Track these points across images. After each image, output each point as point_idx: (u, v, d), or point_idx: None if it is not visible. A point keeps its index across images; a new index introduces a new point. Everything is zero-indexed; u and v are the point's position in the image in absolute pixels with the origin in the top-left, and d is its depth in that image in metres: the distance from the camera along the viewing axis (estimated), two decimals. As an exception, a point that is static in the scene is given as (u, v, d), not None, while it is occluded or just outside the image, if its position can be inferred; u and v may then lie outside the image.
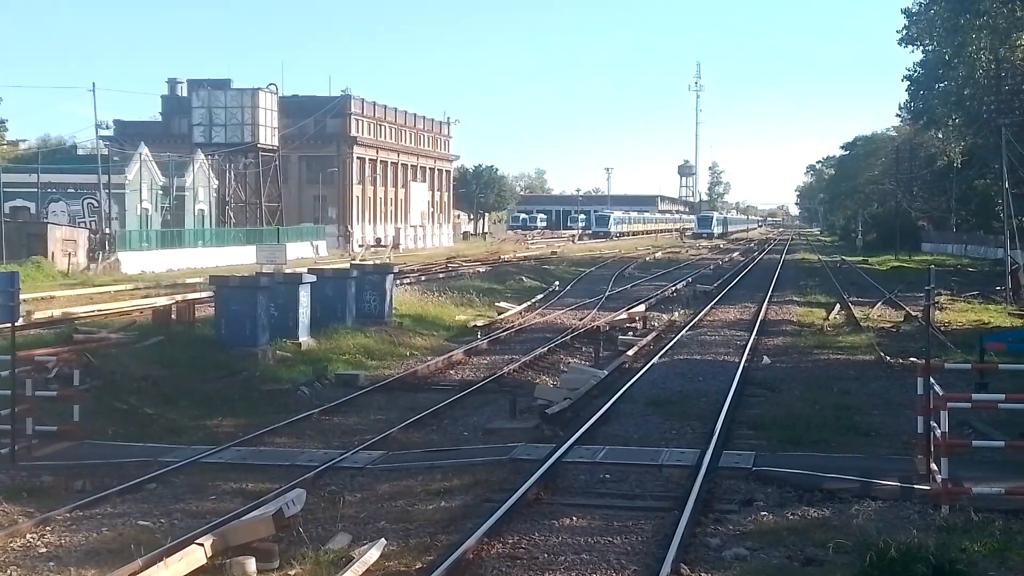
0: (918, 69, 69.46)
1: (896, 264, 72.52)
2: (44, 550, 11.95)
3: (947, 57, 59.88)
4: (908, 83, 71.80)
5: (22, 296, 18.00)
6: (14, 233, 58.69)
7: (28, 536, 12.37)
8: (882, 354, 26.39)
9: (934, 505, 12.87)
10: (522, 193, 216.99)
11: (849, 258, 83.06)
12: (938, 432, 13.26)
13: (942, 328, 31.30)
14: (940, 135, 73.96)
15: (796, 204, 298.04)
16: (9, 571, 11.23)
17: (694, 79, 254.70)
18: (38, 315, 30.99)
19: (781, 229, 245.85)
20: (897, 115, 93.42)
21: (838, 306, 40.51)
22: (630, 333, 31.77)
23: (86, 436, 16.94)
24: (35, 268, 51.60)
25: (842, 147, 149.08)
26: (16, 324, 16.56)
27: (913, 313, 35.28)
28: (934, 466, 13.54)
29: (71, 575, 11.09)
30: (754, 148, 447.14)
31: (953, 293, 44.72)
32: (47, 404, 16.98)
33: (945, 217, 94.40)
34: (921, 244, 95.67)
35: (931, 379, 14.09)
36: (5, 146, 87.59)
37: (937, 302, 35.18)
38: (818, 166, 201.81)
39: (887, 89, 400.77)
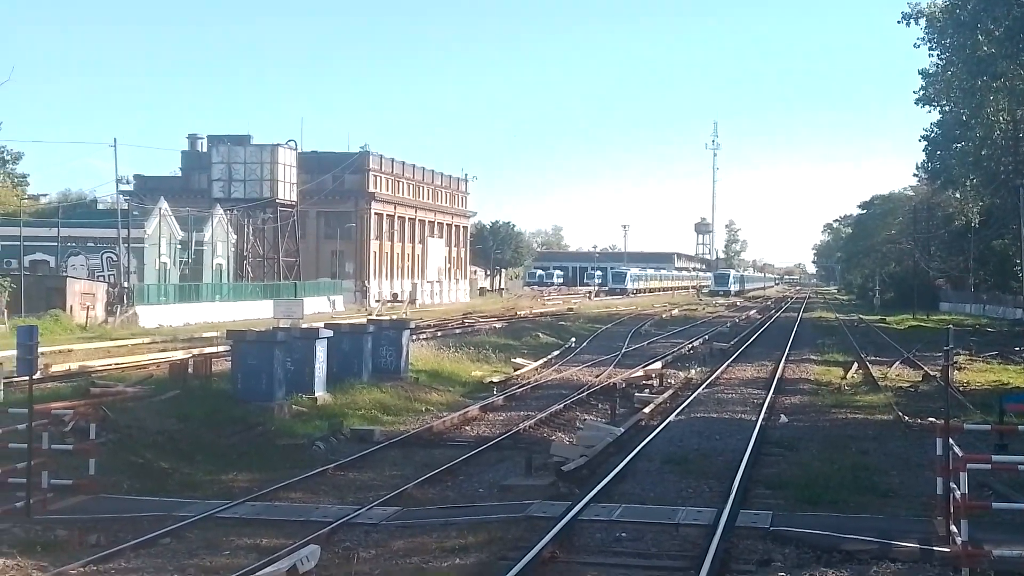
0: (935, 129, 69.63)
1: (914, 323, 72.23)
2: (57, 605, 11.90)
3: (964, 118, 60.03)
4: (925, 143, 71.98)
5: (40, 349, 18.12)
6: (33, 287, 59.08)
7: (42, 590, 12.33)
8: (900, 414, 26.22)
9: (954, 568, 12.73)
10: (539, 249, 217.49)
11: (866, 317, 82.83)
12: (957, 493, 13.14)
13: (961, 388, 31.12)
14: (958, 195, 73.88)
15: (813, 262, 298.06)
16: (22, 625, 11.18)
17: (711, 138, 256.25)
18: (56, 368, 31.10)
19: (798, 287, 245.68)
20: (914, 175, 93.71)
21: (856, 365, 40.33)
22: (647, 390, 31.68)
23: (101, 490, 16.92)
24: (53, 321, 51.83)
25: (859, 206, 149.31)
26: (34, 377, 16.63)
27: (931, 373, 35.07)
28: (954, 528, 13.39)
29: (84, 630, 11.03)
30: (771, 206, 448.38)
31: (972, 353, 44.46)
32: (63, 457, 16.97)
33: (963, 277, 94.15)
34: (939, 303, 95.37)
35: (950, 440, 14.00)
36: (26, 200, 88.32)
37: (956, 362, 35.04)
38: (835, 224, 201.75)
39: (904, 149, 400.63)
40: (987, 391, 31.23)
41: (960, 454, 13.47)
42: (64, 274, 66.10)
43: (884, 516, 15.81)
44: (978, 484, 15.48)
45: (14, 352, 16.84)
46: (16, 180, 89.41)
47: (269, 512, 16.17)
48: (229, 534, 14.98)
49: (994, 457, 14.60)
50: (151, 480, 18.41)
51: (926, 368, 37.35)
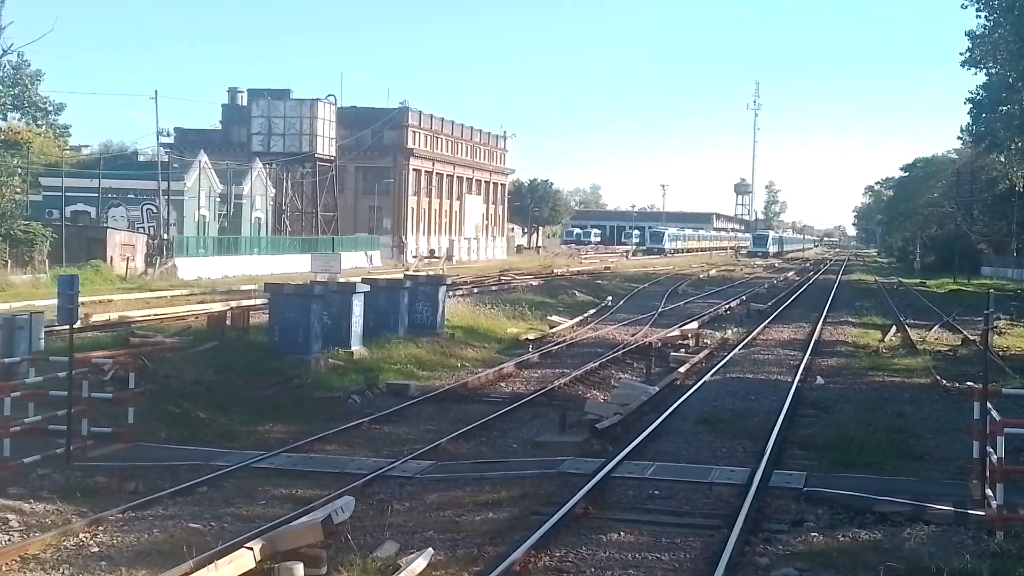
0: (981, 92, 68.62)
1: (954, 287, 71.58)
2: (96, 550, 12.09)
3: (1011, 80, 59.04)
4: (971, 105, 70.97)
5: (80, 299, 18.27)
6: (74, 237, 59.55)
7: (81, 535, 12.52)
8: (938, 377, 26.05)
9: (988, 531, 12.67)
10: (576, 208, 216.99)
11: (906, 280, 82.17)
12: (994, 457, 13.07)
13: (1000, 353, 30.86)
14: (1002, 158, 72.80)
15: (853, 225, 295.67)
16: (62, 569, 11.37)
17: (753, 98, 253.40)
18: (96, 318, 31.44)
19: (837, 250, 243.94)
20: (959, 137, 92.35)
21: (894, 328, 40.07)
22: (682, 350, 31.61)
23: (140, 438, 17.12)
24: (94, 272, 52.29)
25: (902, 168, 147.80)
26: (74, 326, 16.80)
27: (971, 337, 34.80)
28: (989, 492, 13.33)
29: (122, 575, 11.20)
30: (812, 168, 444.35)
31: (1012, 318, 44.02)
32: (102, 406, 17.18)
33: (1006, 241, 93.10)
34: (980, 268, 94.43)
35: (988, 404, 13.90)
36: (68, 151, 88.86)
37: (996, 326, 34.72)
38: (877, 187, 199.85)
39: (949, 111, 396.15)
40: (1027, 356, 30.95)
41: (997, 418, 13.38)
42: (104, 225, 66.51)
43: (919, 479, 15.75)
44: (1015, 449, 15.36)
45: (55, 301, 17.01)
46: (58, 131, 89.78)
47: (305, 463, 16.31)
48: (265, 484, 15.13)
49: (1032, 421, 14.50)
50: (188, 430, 18.60)
51: (965, 332, 37.05)
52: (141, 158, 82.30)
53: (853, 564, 11.68)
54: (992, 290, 22.06)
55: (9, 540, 12.31)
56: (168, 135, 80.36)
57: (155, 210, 69.24)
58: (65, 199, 65.16)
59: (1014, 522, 12.54)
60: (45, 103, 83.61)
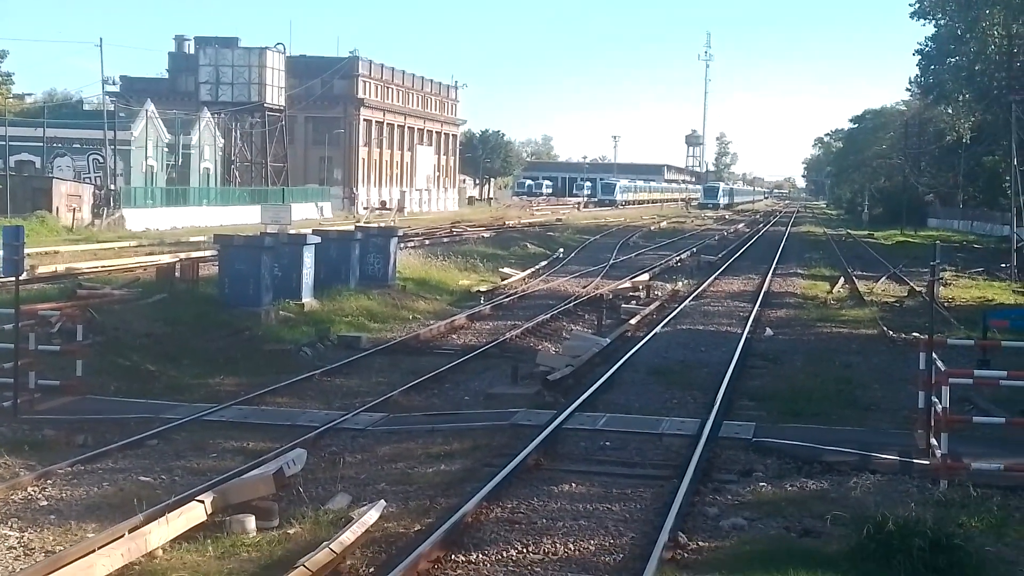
0: (929, 43, 68.87)
1: (902, 239, 72.35)
2: (45, 503, 12.01)
3: (959, 32, 59.41)
4: (919, 57, 71.25)
5: (26, 250, 18.03)
6: (19, 187, 58.64)
7: (29, 489, 12.43)
8: (885, 328, 26.38)
9: (933, 480, 12.91)
10: (528, 159, 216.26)
11: (855, 232, 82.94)
12: (939, 407, 13.28)
13: (946, 304, 31.29)
14: (950, 110, 73.35)
15: (803, 176, 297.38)
16: (10, 523, 11.29)
17: (704, 48, 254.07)
18: (42, 270, 31.05)
19: (787, 201, 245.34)
20: (907, 89, 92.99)
21: (842, 280, 40.49)
22: (633, 302, 31.77)
23: (88, 391, 16.99)
24: (39, 223, 51.60)
25: (851, 120, 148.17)
26: (20, 278, 16.58)
27: (917, 288, 35.23)
28: (934, 441, 13.57)
29: (72, 528, 11.14)
30: (762, 119, 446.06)
31: (958, 269, 44.66)
32: (50, 359, 17.01)
33: (952, 193, 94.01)
34: (927, 219, 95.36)
35: (933, 354, 14.11)
36: (11, 100, 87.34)
37: (942, 278, 35.20)
38: (826, 139, 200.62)
39: (898, 63, 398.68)
40: (972, 307, 31.42)
41: (943, 368, 13.59)
42: (50, 175, 65.49)
43: (865, 429, 15.97)
44: (959, 399, 15.61)
45: (0, 253, 16.77)
46: (1, 79, 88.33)
47: (256, 416, 16.27)
48: (216, 437, 15.08)
49: (976, 372, 14.75)
50: (138, 382, 18.48)
51: (912, 284, 37.50)
52: (87, 107, 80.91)
53: (800, 513, 11.86)
54: (938, 241, 22.25)
55: (-44, 494, 12.19)
56: (114, 83, 79.26)
57: (101, 160, 68.24)
58: (9, 148, 64.10)
59: (958, 471, 12.75)
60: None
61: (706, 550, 10.68)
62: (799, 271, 45.71)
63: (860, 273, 43.41)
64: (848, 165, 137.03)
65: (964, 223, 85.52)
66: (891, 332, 25.79)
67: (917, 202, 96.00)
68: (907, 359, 20.74)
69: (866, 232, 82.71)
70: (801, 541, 11.01)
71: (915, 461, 13.69)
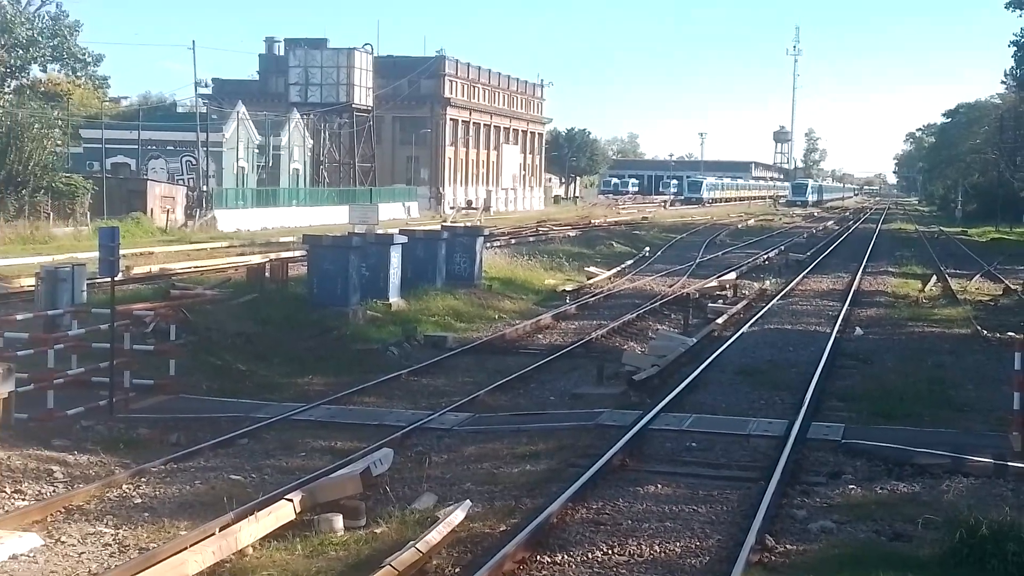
0: (1025, 34, 67.49)
1: (996, 236, 70.77)
2: (139, 501, 12.26)
3: (1057, 23, 58.08)
4: (1015, 48, 69.86)
5: (121, 251, 18.41)
6: (115, 189, 59.89)
7: (124, 487, 12.69)
8: (979, 328, 25.84)
9: (1028, 483, 12.63)
10: (614, 157, 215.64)
11: (947, 229, 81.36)
12: (1035, 409, 12.98)
13: (1043, 303, 30.58)
14: (1047, 103, 71.84)
15: (894, 173, 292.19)
16: (106, 520, 11.54)
17: (792, 43, 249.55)
18: (137, 270, 31.74)
19: (878, 198, 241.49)
20: (1002, 82, 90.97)
21: (934, 278, 39.74)
22: (720, 301, 31.51)
23: (181, 390, 17.30)
24: (134, 224, 52.66)
25: (944, 115, 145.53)
26: (116, 278, 16.95)
27: (1013, 287, 34.49)
28: (1029, 444, 13.27)
29: (165, 526, 11.36)
30: (852, 115, 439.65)
31: (1055, 267, 43.61)
32: (144, 358, 17.35)
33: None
34: (1023, 216, 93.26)
35: (1029, 355, 13.79)
36: (107, 103, 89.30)
37: (1038, 276, 34.37)
38: (918, 134, 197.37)
39: (993, 55, 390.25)
40: (1070, 306, 30.66)
41: (1039, 370, 13.28)
42: (144, 177, 66.82)
43: (958, 431, 15.67)
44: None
45: (97, 254, 17.14)
46: (97, 82, 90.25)
47: (344, 415, 16.44)
48: (304, 436, 15.27)
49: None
50: (229, 382, 18.77)
51: (1007, 282, 36.71)
52: (180, 109, 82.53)
53: (891, 516, 11.66)
54: (1035, 239, 21.75)
55: (54, 491, 12.50)
56: (206, 86, 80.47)
57: (194, 162, 69.50)
58: (105, 151, 65.51)
59: (1054, 475, 12.46)
60: (84, 54, 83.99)
61: (793, 553, 10.56)
62: (890, 269, 44.97)
63: (953, 271, 42.58)
64: (941, 161, 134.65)
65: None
66: (985, 331, 25.25)
67: (1012, 198, 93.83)
68: (1002, 359, 20.31)
69: (959, 229, 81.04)
70: (891, 545, 10.83)
71: (1010, 464, 13.39)
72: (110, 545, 10.84)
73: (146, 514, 11.76)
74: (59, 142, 62.30)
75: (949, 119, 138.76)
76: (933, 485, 12.80)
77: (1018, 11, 62.42)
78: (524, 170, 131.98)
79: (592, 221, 74.08)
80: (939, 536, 10.62)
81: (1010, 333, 22.58)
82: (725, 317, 27.56)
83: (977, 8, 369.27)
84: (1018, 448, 13.77)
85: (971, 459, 13.65)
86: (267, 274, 28.53)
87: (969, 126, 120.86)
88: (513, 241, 50.47)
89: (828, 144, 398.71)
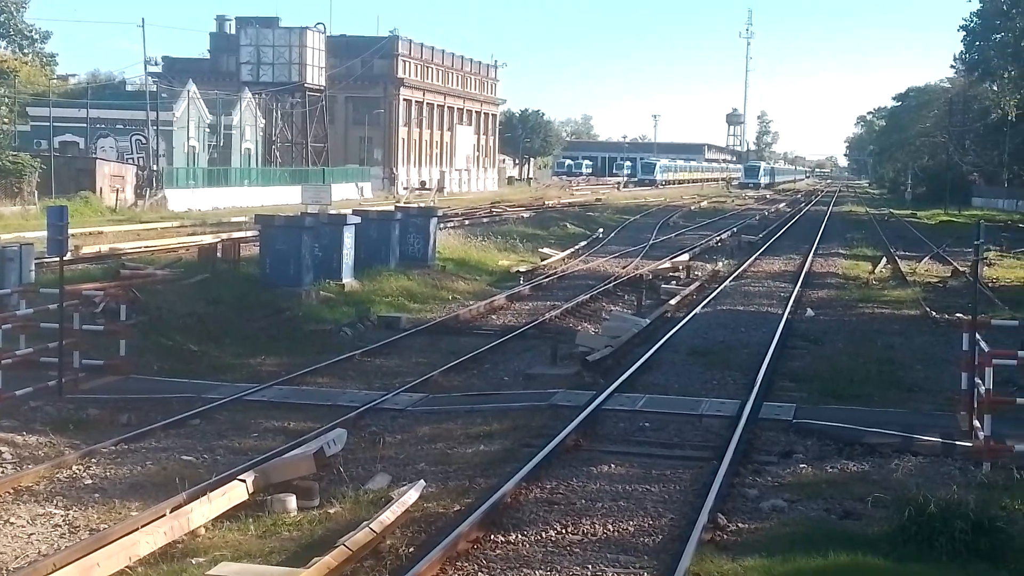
0: (975, 19, 68.04)
1: (945, 218, 71.62)
2: (89, 482, 12.16)
3: (1005, 7, 58.71)
4: (964, 33, 70.45)
5: (70, 231, 18.19)
6: (63, 168, 59.14)
7: (74, 468, 12.58)
8: (928, 309, 26.14)
9: (975, 462, 12.81)
10: (568, 139, 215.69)
11: (897, 211, 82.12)
12: (982, 389, 13.15)
13: (990, 284, 30.99)
14: (995, 87, 72.55)
15: (845, 155, 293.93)
16: (55, 501, 11.44)
17: (745, 26, 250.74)
18: (86, 250, 31.33)
19: (829, 180, 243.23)
20: (952, 66, 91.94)
21: (884, 260, 40.13)
22: (673, 282, 31.67)
23: (132, 371, 17.14)
24: (83, 203, 52.08)
25: (894, 98, 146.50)
26: (64, 258, 16.74)
27: (961, 268, 34.89)
28: (977, 423, 13.44)
29: (116, 507, 11.27)
30: (804, 98, 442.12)
31: (1003, 249, 44.13)
32: (94, 338, 17.18)
33: (997, 172, 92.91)
34: (972, 199, 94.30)
35: (977, 335, 13.97)
36: (55, 81, 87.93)
37: (986, 258, 34.76)
38: (869, 117, 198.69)
39: (942, 39, 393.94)
40: (1017, 287, 31.15)
41: (986, 349, 13.45)
42: (93, 156, 65.99)
43: (907, 411, 15.86)
44: (1003, 380, 15.40)
45: (45, 233, 16.93)
46: (44, 60, 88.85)
47: (297, 396, 16.37)
48: (257, 416, 15.20)
49: (1020, 353, 14.53)
50: (180, 362, 18.64)
51: (956, 264, 37.15)
52: (129, 88, 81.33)
53: (841, 495, 11.79)
54: (983, 221, 21.98)
55: (2, 472, 12.38)
56: (156, 64, 79.69)
57: (144, 141, 68.69)
58: (53, 129, 64.57)
59: (1001, 453, 12.65)
60: (31, 31, 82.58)
61: (746, 532, 10.65)
62: (841, 251, 45.39)
63: (903, 253, 43.01)
64: (891, 144, 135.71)
65: (1009, 202, 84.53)
66: (934, 312, 25.55)
67: (961, 181, 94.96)
68: (950, 340, 20.58)
69: (909, 212, 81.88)
70: (842, 523, 10.95)
71: (958, 443, 13.58)
72: (60, 526, 10.74)
73: (96, 495, 11.66)
74: (5, 120, 61.29)
75: (899, 103, 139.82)
76: (882, 464, 12.95)
77: (967, -4, 63.03)
78: (478, 151, 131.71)
79: (546, 202, 74.12)
80: (888, 514, 10.75)
81: (958, 314, 22.82)
82: (678, 298, 27.70)
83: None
84: (965, 428, 13.95)
85: (920, 439, 13.82)
86: (219, 254, 28.30)
87: (919, 110, 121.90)
88: (467, 222, 50.39)
89: (780, 127, 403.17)
